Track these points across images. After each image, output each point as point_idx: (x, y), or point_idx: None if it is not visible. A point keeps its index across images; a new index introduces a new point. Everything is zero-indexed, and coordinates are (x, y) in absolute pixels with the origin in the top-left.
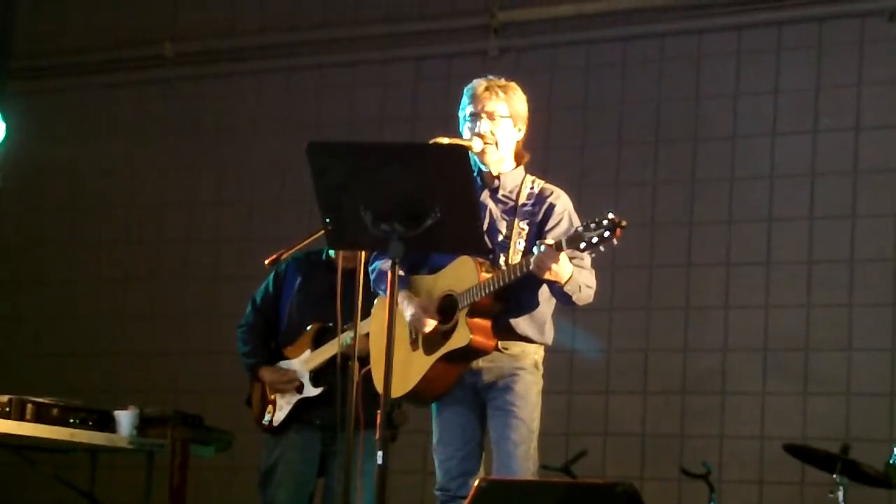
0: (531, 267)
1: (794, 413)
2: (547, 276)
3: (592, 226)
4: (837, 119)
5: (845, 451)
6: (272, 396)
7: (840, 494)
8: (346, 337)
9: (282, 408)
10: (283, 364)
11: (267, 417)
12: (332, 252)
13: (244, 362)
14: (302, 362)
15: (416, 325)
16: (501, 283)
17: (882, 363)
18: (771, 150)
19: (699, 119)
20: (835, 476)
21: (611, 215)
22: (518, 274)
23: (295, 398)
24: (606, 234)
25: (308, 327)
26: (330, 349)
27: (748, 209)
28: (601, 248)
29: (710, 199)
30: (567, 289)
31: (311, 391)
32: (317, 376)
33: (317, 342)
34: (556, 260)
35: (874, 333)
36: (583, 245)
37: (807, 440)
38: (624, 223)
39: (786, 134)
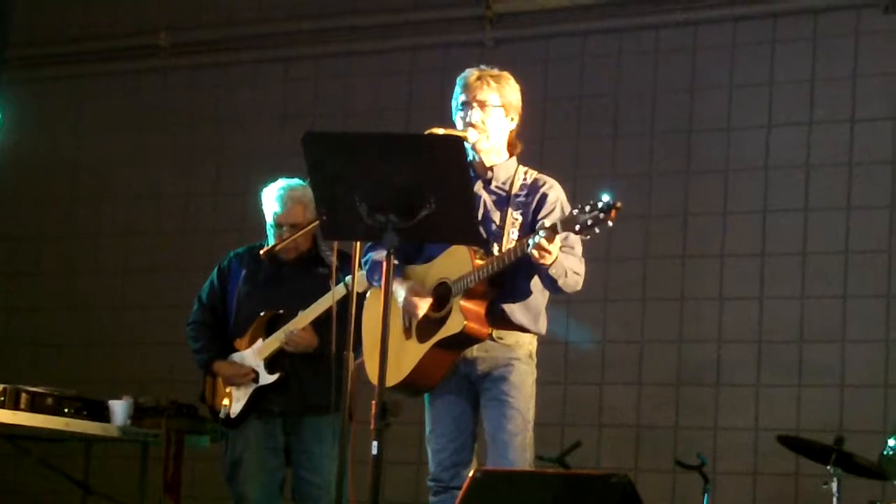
0: (528, 250)
1: (788, 404)
2: (541, 259)
3: (587, 208)
4: (832, 111)
5: (839, 443)
6: (227, 389)
7: (834, 486)
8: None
9: (238, 399)
10: (236, 356)
11: (224, 410)
12: (271, 243)
13: (197, 359)
14: (255, 351)
15: (408, 310)
16: (497, 268)
17: (876, 354)
18: (766, 141)
19: (694, 111)
20: (829, 467)
21: (605, 197)
22: (514, 257)
23: (251, 388)
24: (601, 215)
25: (261, 314)
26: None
27: (743, 201)
28: (596, 230)
29: (705, 190)
30: (552, 272)
31: (266, 379)
32: (272, 364)
33: (269, 330)
34: (551, 243)
35: (868, 325)
36: (577, 227)
37: (801, 432)
38: (619, 205)
39: (781, 126)
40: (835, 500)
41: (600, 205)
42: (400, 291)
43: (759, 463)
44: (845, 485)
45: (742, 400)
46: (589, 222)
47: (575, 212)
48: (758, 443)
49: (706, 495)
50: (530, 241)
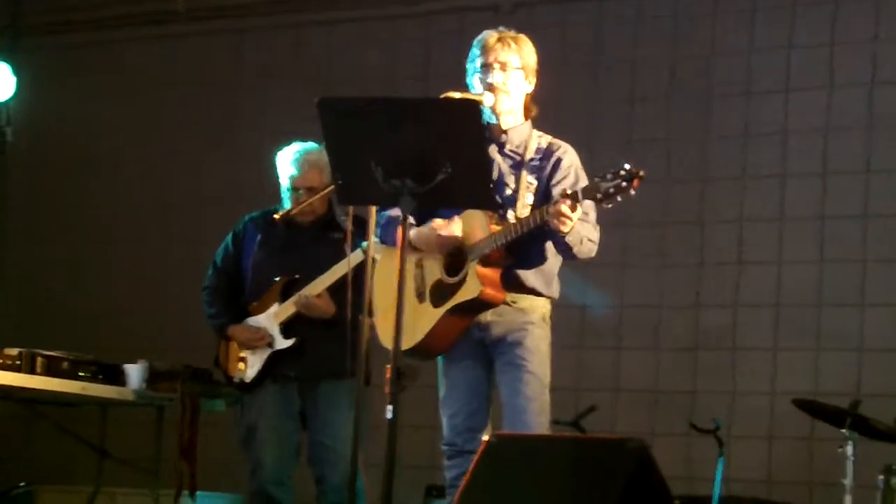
0: (548, 216)
1: (805, 369)
2: (561, 227)
3: (609, 176)
4: (852, 74)
5: (855, 407)
6: (243, 353)
7: (849, 449)
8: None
9: (253, 364)
10: (251, 321)
11: (238, 375)
12: (286, 208)
13: (211, 324)
14: (271, 316)
15: (443, 241)
16: (516, 234)
17: (894, 319)
18: (784, 105)
19: (712, 75)
20: (844, 431)
21: (628, 166)
22: (533, 224)
23: (266, 353)
24: (624, 184)
25: (276, 279)
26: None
27: (761, 165)
28: (618, 199)
29: (723, 155)
30: (569, 239)
31: (282, 344)
32: (287, 329)
33: (284, 295)
34: (573, 211)
35: (887, 289)
36: (599, 196)
37: (817, 396)
38: (642, 173)
39: (799, 90)
40: (850, 463)
41: (623, 173)
42: (424, 230)
43: (774, 427)
44: (861, 448)
45: (759, 364)
46: (611, 190)
47: (597, 180)
48: (774, 407)
49: (721, 459)
50: (551, 209)
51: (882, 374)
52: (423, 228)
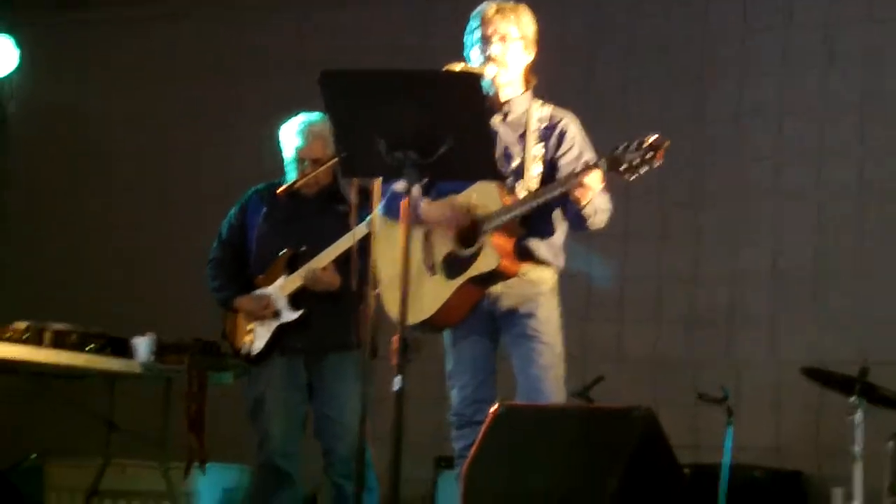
0: (571, 187)
1: (811, 337)
2: (582, 198)
3: (633, 147)
4: (850, 52)
5: (863, 374)
6: (250, 326)
7: (858, 417)
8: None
9: (260, 336)
10: (258, 292)
11: (246, 347)
12: (290, 180)
13: (216, 296)
14: (277, 288)
15: (444, 225)
16: (535, 205)
17: None
18: (780, 83)
19: (712, 54)
20: (853, 399)
21: (654, 136)
22: (557, 193)
23: (273, 324)
24: (649, 154)
25: (281, 252)
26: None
27: (758, 141)
28: (641, 171)
29: (721, 132)
30: (585, 211)
31: (289, 316)
32: (294, 301)
33: (290, 267)
34: (594, 180)
35: (891, 256)
36: (623, 167)
37: (824, 364)
38: (667, 143)
39: (796, 68)
40: (859, 431)
41: (647, 144)
42: (437, 204)
43: (782, 395)
44: (870, 416)
45: (764, 333)
46: (636, 161)
47: (621, 150)
48: (781, 375)
49: (730, 427)
50: (575, 179)
51: (889, 342)
52: (437, 202)
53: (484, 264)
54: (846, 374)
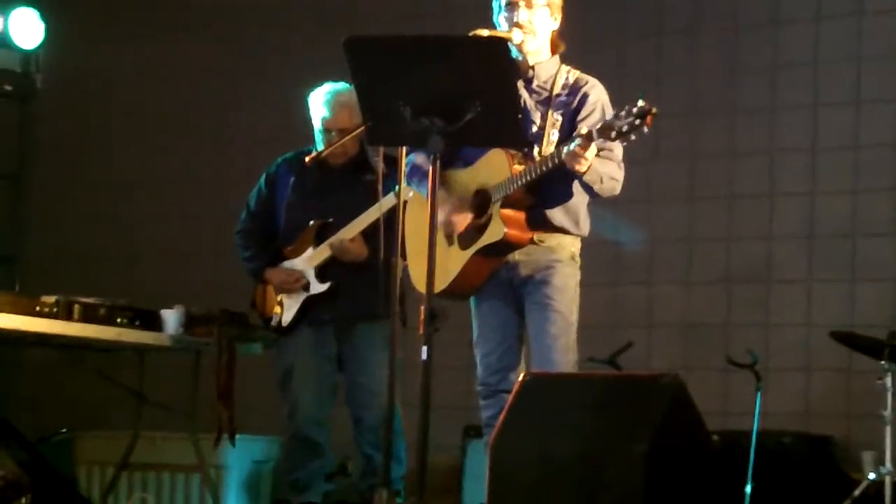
0: (563, 157)
1: (841, 300)
2: (576, 166)
3: (622, 114)
4: (884, 1)
5: (893, 338)
6: (279, 297)
7: (888, 381)
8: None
9: (289, 307)
10: (286, 264)
11: (275, 318)
12: (318, 149)
13: (247, 267)
14: (305, 260)
15: (445, 230)
16: (534, 175)
17: None
18: (815, 35)
19: (740, 6)
20: (882, 362)
21: (641, 103)
22: (550, 165)
23: (302, 296)
24: (637, 121)
25: (309, 224)
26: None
27: (791, 95)
28: (632, 137)
29: (753, 86)
30: (587, 178)
31: (317, 288)
32: (322, 272)
33: (319, 239)
34: (587, 150)
35: None
36: (613, 134)
37: (854, 327)
38: (654, 110)
39: (831, 18)
40: (889, 395)
41: (635, 111)
42: (440, 213)
43: (811, 359)
44: None
45: (794, 296)
46: (625, 128)
47: (610, 119)
48: (810, 339)
49: (759, 392)
50: (565, 149)
51: None
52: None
53: (491, 235)
54: (876, 338)
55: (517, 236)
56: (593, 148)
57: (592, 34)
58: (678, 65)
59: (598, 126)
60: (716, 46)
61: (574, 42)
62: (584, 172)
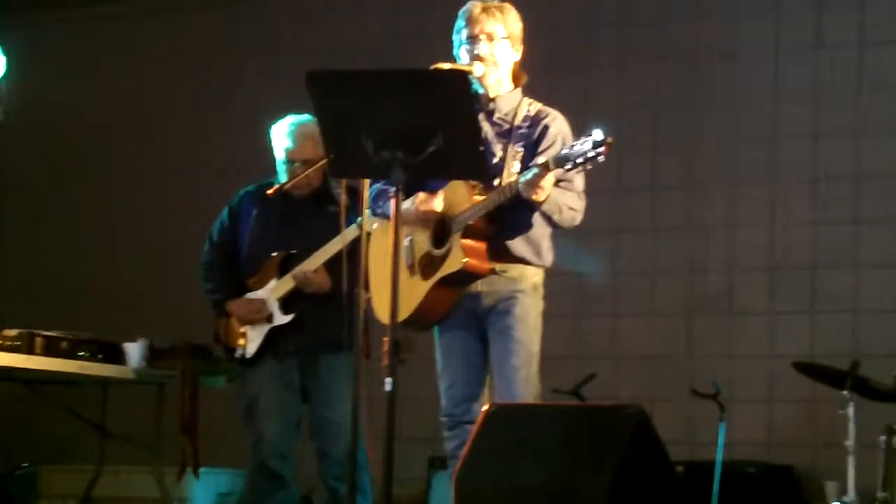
0: (520, 186)
1: (802, 331)
2: (533, 196)
3: (578, 144)
4: (842, 36)
5: (855, 368)
6: (242, 329)
7: (850, 411)
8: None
9: (253, 339)
10: (250, 295)
11: (239, 350)
12: (281, 181)
13: (209, 298)
14: (269, 291)
15: (423, 217)
16: (493, 206)
17: (890, 279)
18: (775, 67)
19: (702, 38)
20: (844, 392)
21: (597, 132)
22: (509, 195)
23: (266, 328)
24: (593, 152)
25: (272, 255)
26: None
27: (752, 127)
28: (588, 167)
29: (714, 118)
30: (545, 208)
31: (281, 319)
32: (286, 303)
33: (282, 270)
34: (543, 179)
35: (881, 249)
36: (568, 165)
37: (815, 358)
38: (610, 140)
39: (789, 52)
40: (851, 425)
41: (591, 141)
42: (407, 204)
43: (774, 390)
44: (862, 409)
45: (756, 327)
46: (580, 160)
47: (566, 150)
48: (773, 370)
49: (722, 423)
50: (521, 179)
51: (880, 335)
52: (405, 202)
53: (451, 265)
54: (838, 368)
55: (477, 266)
56: (550, 178)
57: (556, 64)
58: (641, 96)
59: (555, 157)
60: (678, 78)
61: (536, 72)
62: (543, 202)
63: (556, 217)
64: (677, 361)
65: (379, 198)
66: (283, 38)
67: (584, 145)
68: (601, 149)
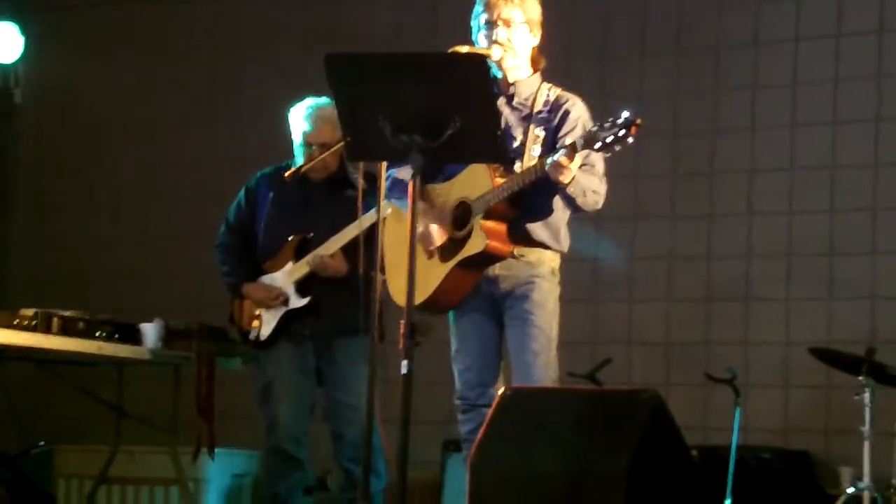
0: (547, 168)
1: (819, 318)
2: (560, 177)
3: (607, 125)
4: (861, 24)
5: (871, 354)
6: (258, 311)
7: (866, 396)
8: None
9: (268, 322)
10: (266, 279)
11: (253, 332)
12: (298, 164)
13: (225, 281)
14: (285, 274)
15: (422, 243)
16: (517, 187)
17: None
18: (794, 55)
19: (722, 26)
20: (860, 378)
21: (626, 113)
22: (534, 176)
23: (281, 311)
24: (622, 132)
25: (289, 239)
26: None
27: (771, 115)
28: (616, 148)
29: (733, 105)
30: (570, 191)
31: (297, 303)
32: (302, 287)
33: (298, 253)
34: (571, 162)
35: None
36: (598, 145)
37: (832, 344)
38: (639, 121)
39: (809, 39)
40: (867, 410)
41: (620, 121)
42: (419, 226)
43: (790, 376)
44: (877, 395)
45: (772, 314)
46: (609, 139)
47: (594, 129)
48: (789, 356)
49: (738, 408)
50: (549, 160)
51: (895, 322)
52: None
53: (473, 247)
54: (854, 354)
55: (498, 248)
56: (577, 160)
57: (576, 51)
58: (661, 84)
59: (583, 137)
60: (698, 66)
61: (556, 59)
62: (568, 184)
63: (579, 200)
64: (693, 347)
65: (394, 188)
66: (292, 27)
67: (613, 126)
68: (630, 129)
